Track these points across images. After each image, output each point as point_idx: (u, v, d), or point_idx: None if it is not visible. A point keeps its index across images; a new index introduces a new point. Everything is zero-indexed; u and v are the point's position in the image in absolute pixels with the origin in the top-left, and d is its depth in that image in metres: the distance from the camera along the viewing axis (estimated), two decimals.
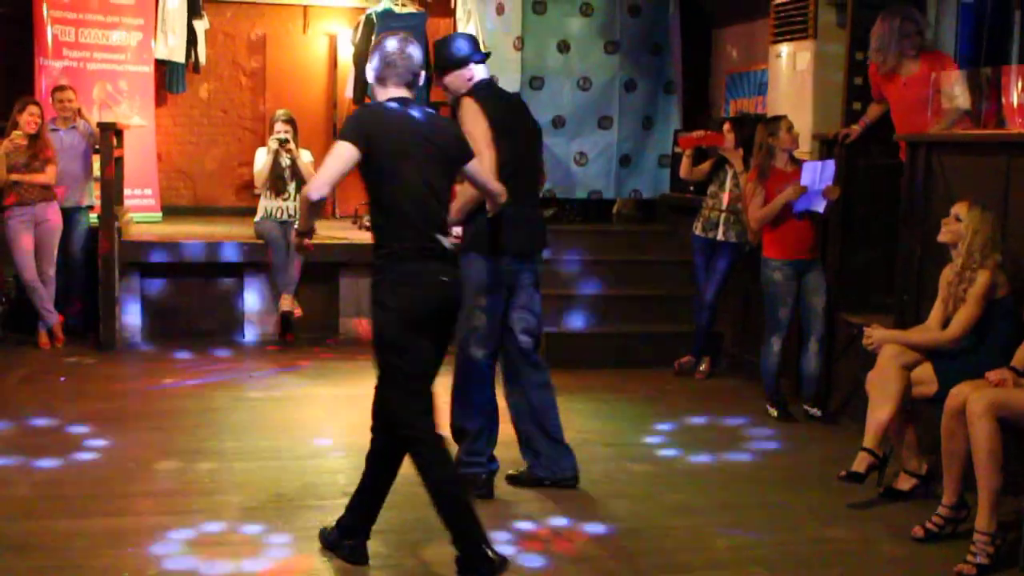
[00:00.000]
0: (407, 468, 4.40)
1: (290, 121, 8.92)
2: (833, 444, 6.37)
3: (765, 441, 6.55)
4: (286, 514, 5.08)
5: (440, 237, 4.38)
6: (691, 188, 8.84)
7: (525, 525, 4.99)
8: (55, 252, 8.56)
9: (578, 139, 9.85)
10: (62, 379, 7.63)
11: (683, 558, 4.73)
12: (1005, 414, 4.54)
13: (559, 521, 5.07)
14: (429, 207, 4.36)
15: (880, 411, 5.22)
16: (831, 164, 6.82)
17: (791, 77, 7.77)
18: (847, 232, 7.21)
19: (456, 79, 5.36)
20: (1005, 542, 4.62)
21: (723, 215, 7.92)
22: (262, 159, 8.95)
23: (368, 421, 4.51)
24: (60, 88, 9.01)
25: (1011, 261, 5.16)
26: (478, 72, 5.38)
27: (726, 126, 7.95)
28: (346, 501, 4.65)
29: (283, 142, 8.77)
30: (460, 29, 10.66)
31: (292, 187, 8.91)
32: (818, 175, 6.75)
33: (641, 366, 8.27)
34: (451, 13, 10.97)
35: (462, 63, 5.36)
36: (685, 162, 8.26)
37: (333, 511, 5.04)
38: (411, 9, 10.94)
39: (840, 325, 7.08)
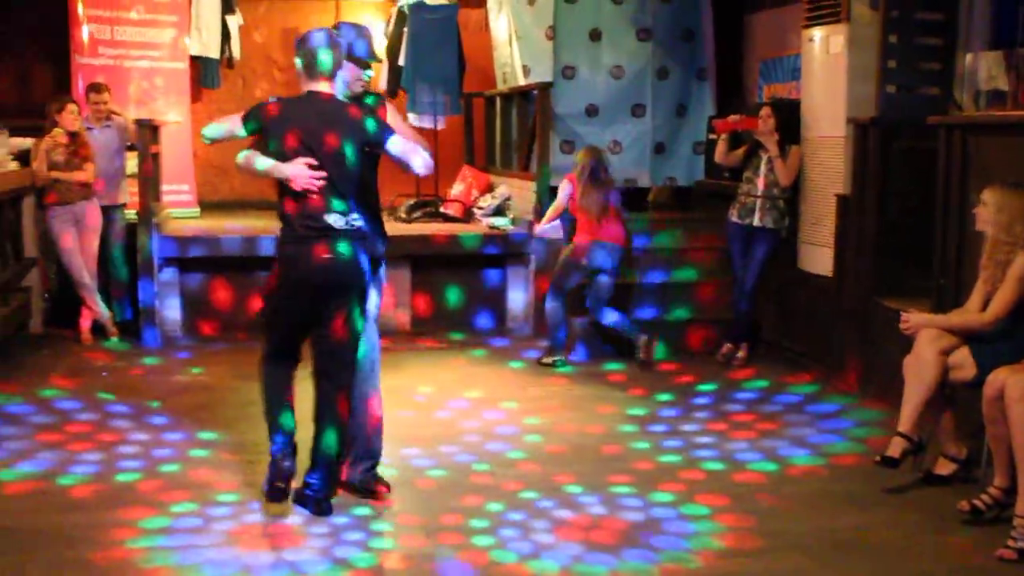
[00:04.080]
0: None
1: None
2: (874, 430, 6.35)
3: (802, 427, 6.54)
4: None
5: (330, 217, 4.79)
6: (726, 174, 8.82)
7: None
8: (96, 249, 8.64)
9: (611, 127, 9.86)
10: (104, 374, 7.71)
11: (721, 544, 4.73)
12: None
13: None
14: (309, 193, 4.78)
15: (916, 396, 5.20)
16: None
17: (824, 61, 7.72)
18: (884, 216, 7.16)
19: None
20: None
21: (759, 201, 7.89)
22: None
23: None
24: (96, 88, 8.99)
25: None
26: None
27: (766, 111, 7.93)
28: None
29: None
30: (492, 20, 10.70)
31: None
32: None
33: (681, 355, 8.28)
34: (482, 4, 10.99)
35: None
36: (720, 146, 8.23)
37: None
38: (443, 1, 10.94)
39: (878, 309, 7.04)
